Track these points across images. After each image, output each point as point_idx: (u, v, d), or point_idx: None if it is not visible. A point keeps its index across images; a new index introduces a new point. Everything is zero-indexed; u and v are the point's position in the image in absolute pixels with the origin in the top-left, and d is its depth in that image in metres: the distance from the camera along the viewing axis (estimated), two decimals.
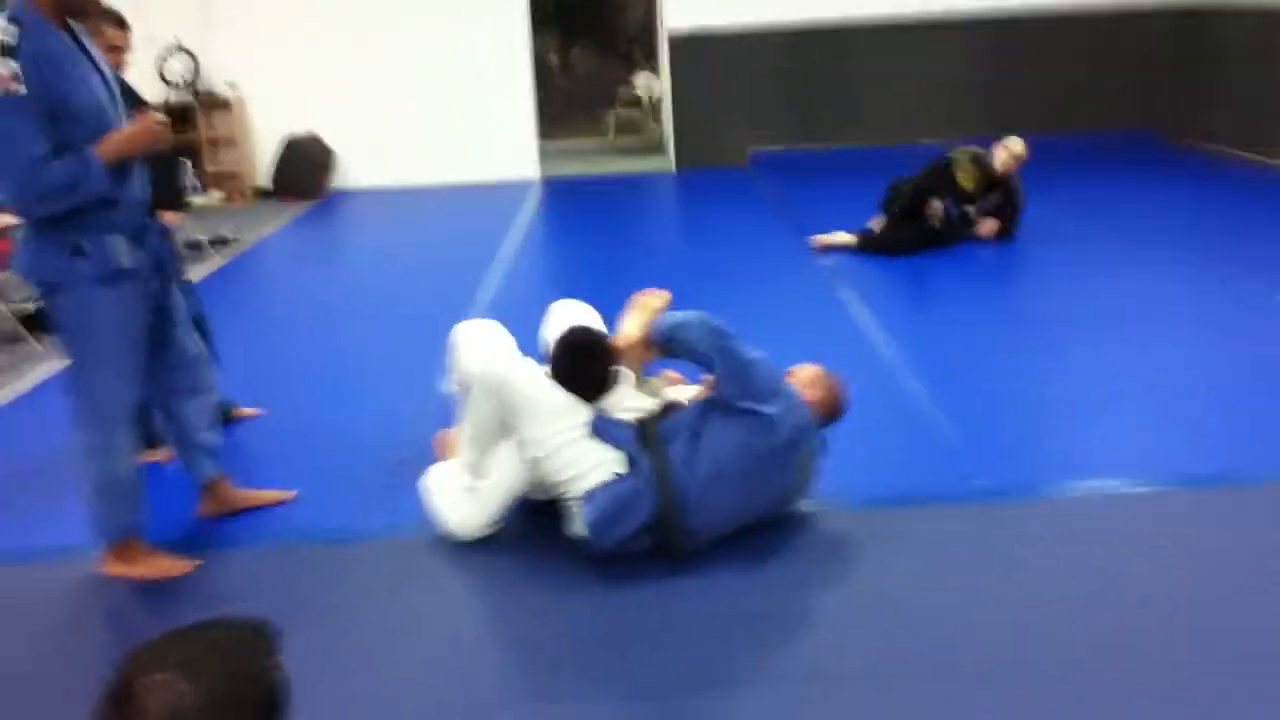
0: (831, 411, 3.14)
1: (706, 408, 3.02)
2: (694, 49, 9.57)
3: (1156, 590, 2.72)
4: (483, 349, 3.38)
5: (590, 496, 2.89)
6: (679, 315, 3.07)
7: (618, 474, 2.90)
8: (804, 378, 3.14)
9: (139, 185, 2.96)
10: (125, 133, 2.86)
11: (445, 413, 3.89)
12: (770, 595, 2.79)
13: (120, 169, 2.86)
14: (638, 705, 2.41)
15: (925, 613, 2.68)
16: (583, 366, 3.10)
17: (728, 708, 2.38)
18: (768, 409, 2.90)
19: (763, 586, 2.82)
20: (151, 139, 2.91)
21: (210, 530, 3.31)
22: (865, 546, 3.02)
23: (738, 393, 2.92)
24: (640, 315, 3.27)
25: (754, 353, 2.98)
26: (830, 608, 2.75)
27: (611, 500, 2.87)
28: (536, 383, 3.05)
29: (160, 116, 2.97)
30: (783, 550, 2.98)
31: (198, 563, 3.08)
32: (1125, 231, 6.56)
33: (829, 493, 3.18)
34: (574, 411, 2.99)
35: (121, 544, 3.04)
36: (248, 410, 4.23)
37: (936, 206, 6.21)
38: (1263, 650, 2.45)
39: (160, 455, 3.69)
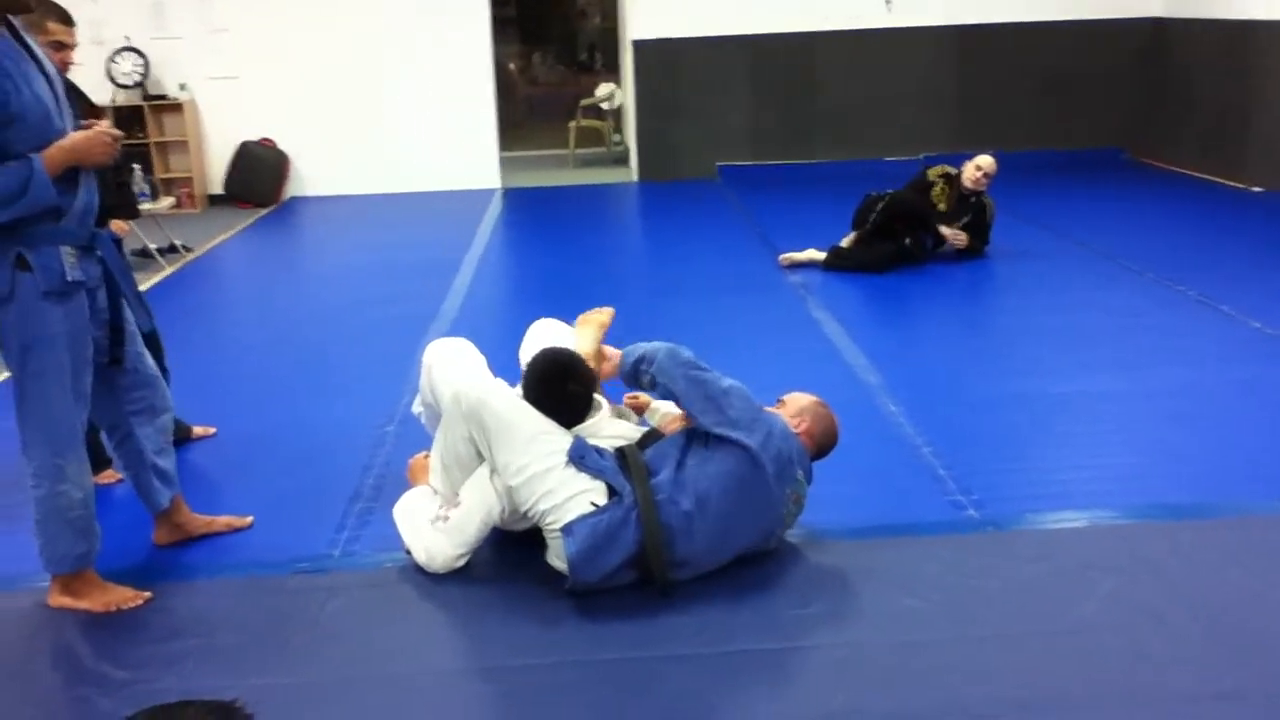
0: (822, 445, 3.03)
1: (689, 437, 2.90)
2: (660, 58, 9.45)
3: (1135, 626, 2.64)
4: (456, 369, 3.23)
5: (570, 530, 2.74)
6: (645, 346, 2.97)
7: (595, 504, 2.76)
8: (794, 408, 3.03)
9: (87, 193, 2.78)
10: (72, 142, 2.68)
11: (412, 433, 3.74)
12: (761, 632, 2.66)
13: (68, 176, 2.69)
14: None
15: (923, 649, 2.57)
16: (558, 388, 2.96)
17: None
18: (747, 439, 2.79)
19: (752, 622, 2.70)
20: (101, 152, 2.73)
21: (165, 558, 3.12)
22: (856, 580, 2.90)
23: (713, 420, 2.81)
24: (589, 331, 3.25)
25: (726, 381, 2.88)
26: (824, 645, 2.63)
27: (592, 533, 2.72)
28: (513, 406, 2.91)
29: (111, 128, 2.79)
30: (771, 584, 2.86)
31: (150, 595, 2.90)
32: (1095, 249, 6.54)
33: (815, 523, 3.07)
34: (552, 437, 2.85)
35: (70, 575, 2.85)
36: (200, 430, 4.05)
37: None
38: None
39: (106, 478, 3.50)
